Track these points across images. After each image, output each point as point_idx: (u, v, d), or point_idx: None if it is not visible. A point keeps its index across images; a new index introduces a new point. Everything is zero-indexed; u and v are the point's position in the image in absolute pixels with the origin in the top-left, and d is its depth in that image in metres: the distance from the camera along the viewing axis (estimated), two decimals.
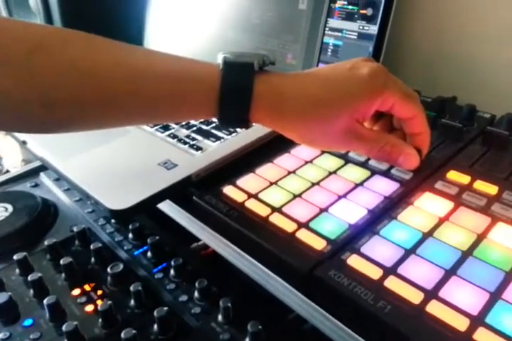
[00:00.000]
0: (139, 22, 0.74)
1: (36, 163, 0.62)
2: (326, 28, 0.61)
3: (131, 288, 0.41)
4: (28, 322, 0.40)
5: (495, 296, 0.28)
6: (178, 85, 0.31)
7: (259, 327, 0.37)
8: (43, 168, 0.60)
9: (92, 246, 0.46)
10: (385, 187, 0.39)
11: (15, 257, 0.45)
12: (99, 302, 0.42)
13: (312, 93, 0.33)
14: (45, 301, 0.40)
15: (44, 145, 0.48)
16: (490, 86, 0.56)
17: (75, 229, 0.49)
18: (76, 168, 0.44)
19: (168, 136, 0.49)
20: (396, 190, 0.39)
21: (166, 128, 0.50)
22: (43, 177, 0.60)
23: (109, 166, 0.44)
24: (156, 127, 0.50)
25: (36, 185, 0.59)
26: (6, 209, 0.52)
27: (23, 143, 0.50)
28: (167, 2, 0.70)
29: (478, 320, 0.27)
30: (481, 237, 0.33)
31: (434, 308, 0.28)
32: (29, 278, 0.42)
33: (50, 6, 0.76)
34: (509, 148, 0.44)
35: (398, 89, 0.34)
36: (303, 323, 0.39)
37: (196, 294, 0.42)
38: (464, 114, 0.48)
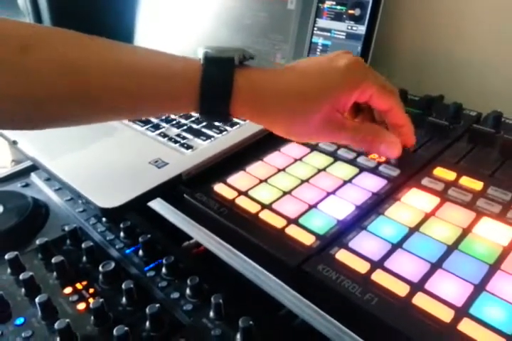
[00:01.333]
0: (129, 21, 0.74)
1: (27, 163, 0.62)
2: (315, 28, 0.62)
3: (123, 286, 0.41)
4: (19, 320, 0.40)
5: (479, 288, 0.29)
6: (161, 81, 0.32)
7: (251, 322, 0.37)
8: (34, 168, 0.60)
9: (83, 245, 0.46)
10: (373, 183, 0.40)
11: (6, 256, 0.45)
12: (91, 300, 0.42)
13: (291, 86, 0.33)
14: (36, 299, 0.40)
15: (35, 145, 0.48)
16: (476, 85, 0.57)
17: (66, 228, 0.49)
18: (67, 167, 0.44)
19: (159, 134, 0.49)
20: (384, 186, 0.39)
21: (156, 127, 0.51)
22: (33, 177, 0.60)
23: (100, 165, 0.44)
24: (146, 126, 0.51)
25: (27, 185, 0.59)
26: None
27: (14, 143, 0.50)
28: (158, 3, 0.70)
29: (462, 311, 0.27)
30: (466, 231, 0.34)
31: (420, 300, 0.28)
32: (20, 277, 0.42)
33: (39, 5, 0.76)
34: (494, 145, 0.44)
35: (376, 80, 0.35)
36: (294, 318, 0.39)
37: (188, 291, 0.42)
38: (450, 112, 0.49)
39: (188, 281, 0.42)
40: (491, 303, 0.28)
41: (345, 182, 0.41)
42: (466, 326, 0.27)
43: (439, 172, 0.40)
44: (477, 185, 0.38)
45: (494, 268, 0.30)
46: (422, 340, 0.26)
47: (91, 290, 0.43)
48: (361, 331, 0.30)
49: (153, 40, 0.71)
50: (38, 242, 0.47)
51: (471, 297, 0.28)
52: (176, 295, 0.42)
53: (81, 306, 0.42)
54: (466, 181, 0.39)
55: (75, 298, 0.43)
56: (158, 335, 0.39)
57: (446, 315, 0.27)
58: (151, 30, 0.71)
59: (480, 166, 0.41)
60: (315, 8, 0.52)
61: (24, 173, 0.61)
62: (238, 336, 0.38)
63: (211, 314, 0.40)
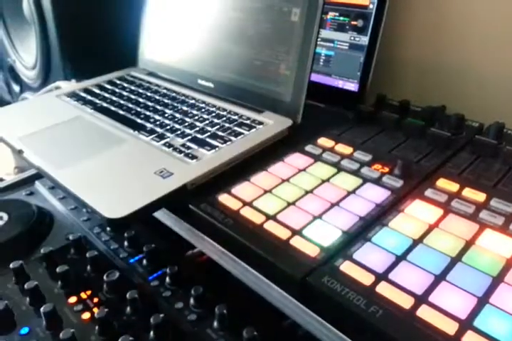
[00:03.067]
0: (133, 31, 0.74)
1: (31, 172, 0.62)
2: (318, 39, 0.63)
3: (128, 296, 0.41)
4: (24, 330, 0.41)
5: (483, 300, 0.29)
6: None
7: (255, 333, 0.37)
8: (38, 176, 0.61)
9: (88, 254, 0.46)
10: (376, 194, 0.40)
11: (11, 265, 0.45)
12: (95, 309, 0.42)
13: None
14: (41, 309, 0.40)
15: (40, 154, 0.49)
16: (478, 96, 0.57)
17: (70, 237, 0.50)
18: (72, 176, 0.44)
19: (164, 145, 0.49)
20: (387, 197, 0.40)
21: (161, 137, 0.51)
22: (38, 185, 0.61)
23: (105, 175, 0.45)
24: (151, 136, 0.51)
25: (31, 194, 0.59)
26: (1, 218, 0.52)
27: (20, 152, 0.50)
28: (162, 11, 0.71)
29: (466, 324, 0.28)
30: (469, 243, 0.34)
31: (424, 313, 0.28)
32: (25, 286, 0.42)
33: (45, 15, 0.77)
34: (497, 156, 0.45)
35: None
36: (298, 329, 0.39)
37: (192, 301, 0.42)
38: (452, 123, 0.50)
39: (192, 291, 0.42)
40: (494, 316, 0.28)
41: (349, 193, 0.41)
42: (470, 339, 0.27)
43: (443, 183, 0.40)
44: (480, 196, 0.39)
45: (497, 280, 0.31)
46: None
47: (95, 300, 0.44)
48: None
49: (157, 50, 0.72)
50: (42, 251, 0.47)
51: (474, 309, 0.29)
52: (179, 305, 0.43)
53: (86, 316, 0.42)
54: (469, 193, 0.39)
55: (80, 307, 0.43)
56: None
57: (450, 327, 0.27)
58: (155, 40, 0.72)
59: (483, 177, 0.42)
60: (318, 19, 0.52)
61: (28, 182, 0.61)
62: None
63: (215, 324, 0.40)
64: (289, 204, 0.40)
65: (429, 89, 0.61)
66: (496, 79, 0.56)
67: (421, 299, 0.29)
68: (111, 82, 0.69)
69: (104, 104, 0.61)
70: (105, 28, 0.77)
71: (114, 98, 0.63)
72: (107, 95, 0.64)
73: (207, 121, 0.54)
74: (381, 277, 0.31)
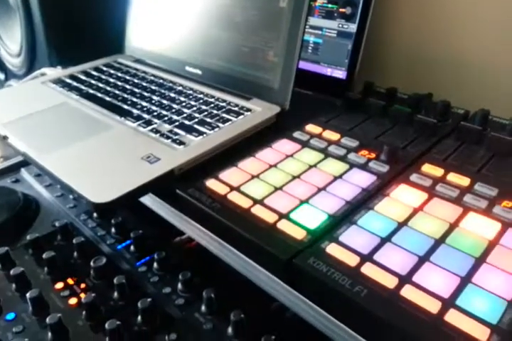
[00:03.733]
0: (120, 17, 0.73)
1: (17, 159, 0.61)
2: (307, 26, 0.62)
3: (115, 281, 0.41)
4: (10, 316, 0.40)
5: (465, 280, 0.30)
6: None
7: (242, 316, 0.38)
8: (24, 163, 0.60)
9: (74, 241, 0.46)
10: (362, 179, 0.41)
11: None
12: (82, 295, 0.42)
13: None
14: (27, 294, 0.40)
15: (25, 140, 0.48)
16: (464, 83, 0.58)
17: (57, 224, 0.49)
18: (58, 162, 0.44)
19: (151, 131, 0.49)
20: (373, 182, 0.40)
21: (148, 123, 0.51)
22: (23, 172, 0.60)
23: (91, 160, 0.44)
24: (138, 122, 0.51)
25: (17, 181, 0.59)
26: None
27: (4, 138, 0.49)
28: None
29: (449, 303, 0.28)
30: (453, 226, 0.34)
31: (407, 292, 0.29)
32: (11, 272, 0.42)
33: (29, 1, 0.75)
34: (482, 142, 0.45)
35: None
36: (285, 311, 0.40)
37: (180, 286, 0.43)
38: (438, 110, 0.50)
39: (180, 276, 0.42)
40: (476, 295, 0.29)
41: (335, 178, 0.41)
42: (452, 316, 0.27)
43: (428, 168, 0.41)
44: (464, 181, 0.39)
45: (480, 261, 0.31)
46: (410, 331, 0.27)
47: (82, 286, 0.44)
48: (351, 322, 0.31)
49: (145, 36, 0.71)
50: (28, 237, 0.47)
51: (457, 289, 0.29)
52: (167, 289, 0.43)
53: (72, 301, 0.42)
54: (453, 177, 0.40)
55: (67, 293, 0.43)
56: (150, 329, 0.39)
57: (433, 306, 0.28)
58: (142, 26, 0.71)
59: (467, 163, 0.42)
60: (307, 6, 0.52)
61: (14, 169, 0.61)
62: (230, 329, 0.38)
63: (203, 308, 0.40)
64: (276, 189, 0.40)
65: (416, 77, 0.61)
66: (482, 68, 0.56)
67: (405, 279, 0.30)
68: (97, 69, 0.68)
69: (91, 91, 0.60)
70: (91, 15, 0.75)
71: (101, 84, 0.62)
72: (93, 82, 0.63)
73: (194, 108, 0.54)
74: (366, 258, 0.32)
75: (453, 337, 0.26)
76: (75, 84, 0.62)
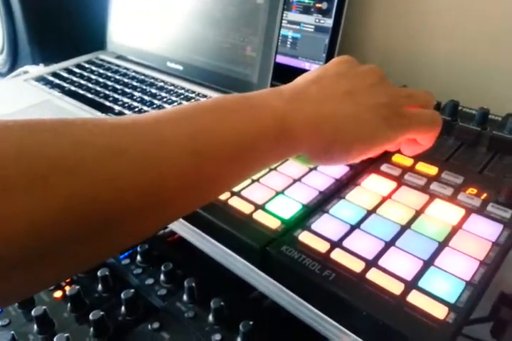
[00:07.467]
0: (101, 13, 0.74)
1: None
2: (285, 21, 0.64)
3: (99, 273, 0.43)
4: None
5: (428, 263, 0.31)
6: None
7: (222, 303, 0.39)
8: None
9: None
10: (336, 170, 0.42)
11: None
12: (67, 288, 0.43)
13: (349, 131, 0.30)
14: None
15: None
16: (436, 75, 0.60)
17: None
18: None
19: None
20: (346, 172, 0.42)
21: None
22: None
23: None
24: None
25: None
26: None
27: None
28: None
29: (411, 284, 0.30)
30: (419, 213, 0.36)
31: (373, 275, 0.30)
32: None
33: (11, 4, 0.75)
34: (451, 132, 0.47)
35: (421, 122, 0.33)
36: (263, 299, 0.42)
37: (162, 277, 0.44)
38: None
39: (162, 267, 0.44)
40: (437, 276, 0.30)
41: (310, 170, 0.43)
42: (414, 297, 0.29)
43: (398, 158, 0.43)
44: (432, 170, 0.41)
45: (443, 245, 0.33)
46: (374, 311, 0.28)
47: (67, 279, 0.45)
48: (321, 305, 0.32)
49: (127, 33, 0.72)
50: None
51: (420, 271, 0.31)
52: (150, 281, 0.44)
53: (57, 294, 0.43)
54: (421, 166, 0.41)
55: (51, 286, 0.44)
56: (134, 319, 0.41)
57: (396, 287, 0.30)
58: (123, 23, 0.72)
59: (436, 152, 0.44)
60: (282, 1, 0.53)
61: None
62: (210, 317, 0.40)
63: (184, 297, 0.42)
64: (253, 181, 0.42)
65: (391, 69, 0.63)
66: (452, 60, 0.58)
67: (371, 263, 0.31)
68: (79, 66, 0.69)
69: (73, 88, 0.61)
70: (73, 12, 0.76)
71: (83, 81, 0.63)
72: (75, 79, 0.64)
73: (175, 104, 0.55)
74: (336, 244, 0.33)
75: (413, 315, 0.28)
76: (57, 81, 0.63)
